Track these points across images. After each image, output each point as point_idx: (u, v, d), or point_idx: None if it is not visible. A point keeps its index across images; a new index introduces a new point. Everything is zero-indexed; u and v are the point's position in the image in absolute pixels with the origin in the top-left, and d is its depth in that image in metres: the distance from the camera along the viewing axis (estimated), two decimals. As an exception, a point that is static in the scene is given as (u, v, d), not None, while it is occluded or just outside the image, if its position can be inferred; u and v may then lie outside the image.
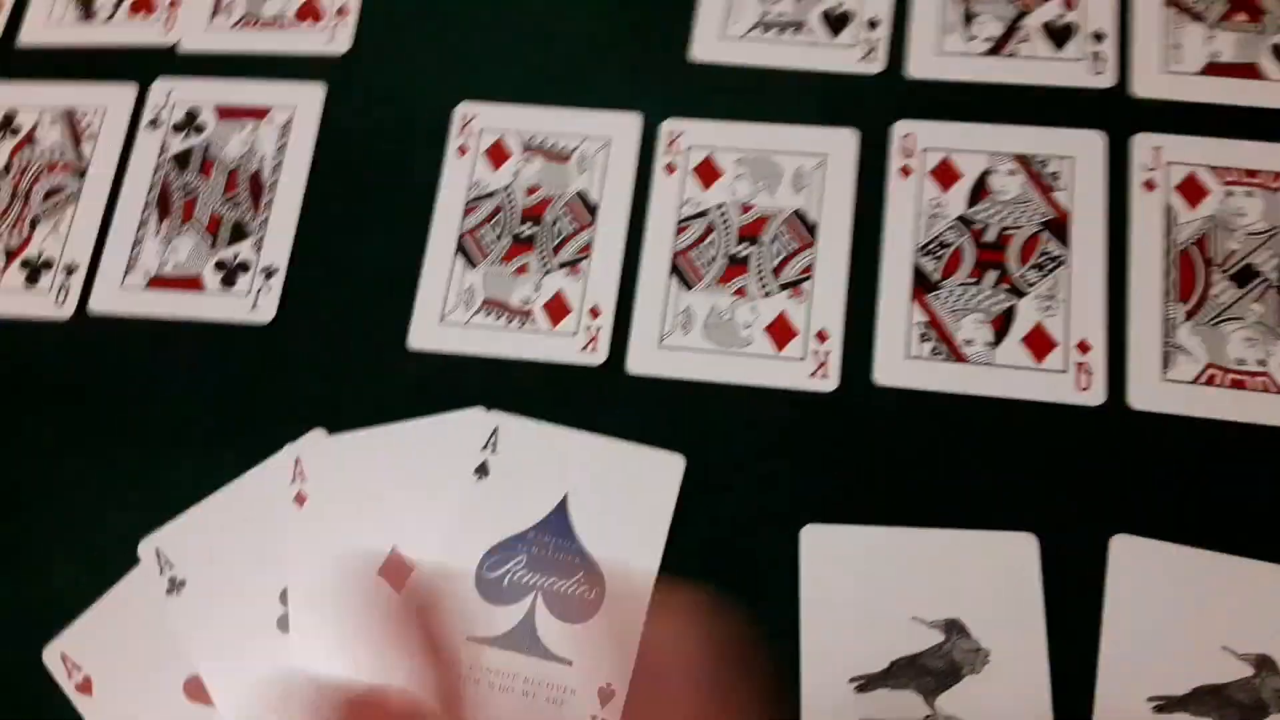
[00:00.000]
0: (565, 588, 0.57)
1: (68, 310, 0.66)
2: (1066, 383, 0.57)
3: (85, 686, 0.58)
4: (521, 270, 0.64)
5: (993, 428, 0.57)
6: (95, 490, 0.62)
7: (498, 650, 0.56)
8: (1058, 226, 0.60)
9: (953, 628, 0.53)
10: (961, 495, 0.56)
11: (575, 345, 0.61)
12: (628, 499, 0.58)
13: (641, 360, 0.61)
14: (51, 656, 0.59)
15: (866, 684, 0.53)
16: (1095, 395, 0.57)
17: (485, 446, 0.60)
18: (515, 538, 0.58)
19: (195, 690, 0.57)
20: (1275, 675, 0.50)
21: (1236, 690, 0.50)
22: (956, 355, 0.58)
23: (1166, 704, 0.51)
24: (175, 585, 0.59)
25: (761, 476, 0.58)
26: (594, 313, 0.62)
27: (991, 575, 0.54)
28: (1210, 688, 0.50)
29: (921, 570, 0.54)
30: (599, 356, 0.61)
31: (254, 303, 0.65)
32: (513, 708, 0.55)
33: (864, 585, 0.54)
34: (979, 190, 0.61)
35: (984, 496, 0.56)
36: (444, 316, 0.63)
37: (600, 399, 0.61)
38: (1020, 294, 0.59)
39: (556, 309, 0.62)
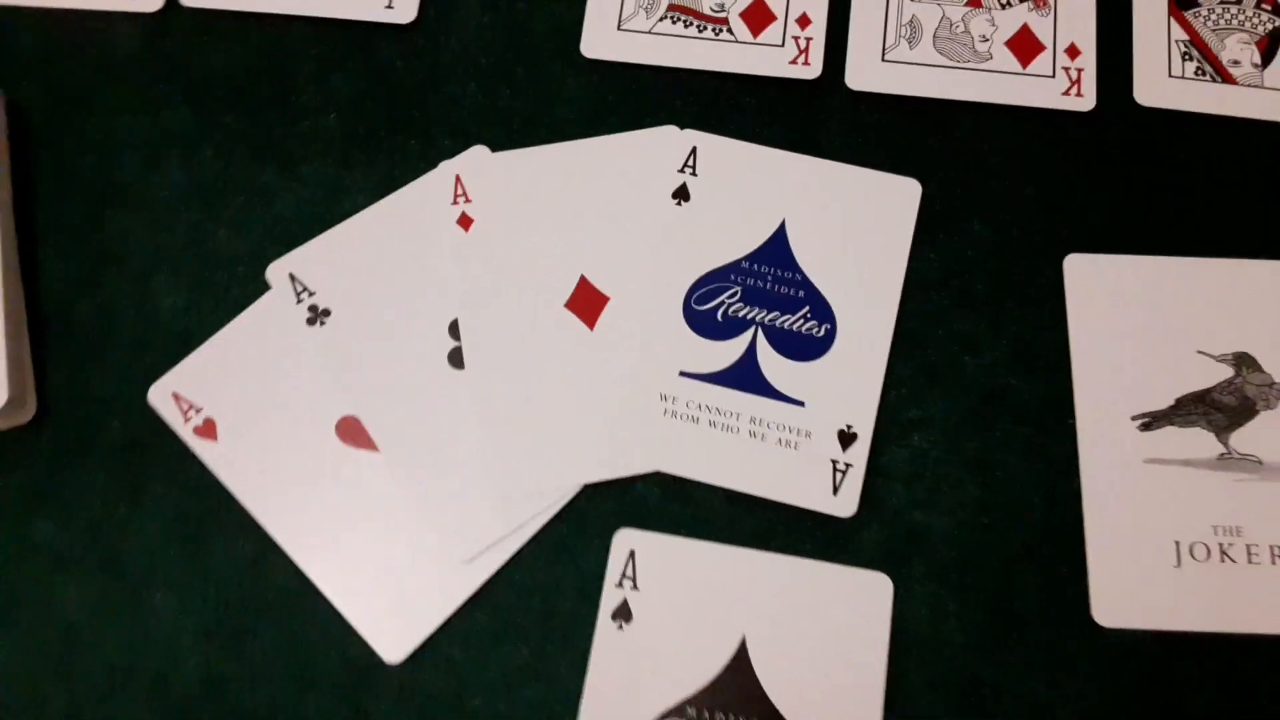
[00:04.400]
0: (790, 323, 0.49)
1: (154, 2, 0.54)
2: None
3: (207, 429, 0.49)
4: (711, -27, 0.55)
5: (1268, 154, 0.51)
6: (204, 208, 0.52)
7: (717, 387, 0.48)
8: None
9: (1242, 361, 0.47)
10: (1236, 223, 0.50)
11: (783, 57, 0.53)
12: (857, 227, 0.50)
13: (863, 74, 0.53)
14: (160, 396, 0.49)
15: (1151, 422, 0.47)
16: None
17: (683, 168, 0.51)
18: (728, 267, 0.50)
19: (350, 432, 0.48)
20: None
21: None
22: (1224, 76, 0.52)
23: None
24: (318, 314, 0.49)
25: (1010, 202, 0.51)
26: (802, 21, 0.53)
27: None
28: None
29: (1201, 302, 0.48)
30: (812, 70, 0.53)
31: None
32: (740, 449, 0.47)
33: (1140, 318, 0.48)
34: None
35: (1260, 224, 0.50)
36: (622, 22, 0.54)
37: (815, 118, 0.52)
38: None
39: (757, 16, 0.54)
